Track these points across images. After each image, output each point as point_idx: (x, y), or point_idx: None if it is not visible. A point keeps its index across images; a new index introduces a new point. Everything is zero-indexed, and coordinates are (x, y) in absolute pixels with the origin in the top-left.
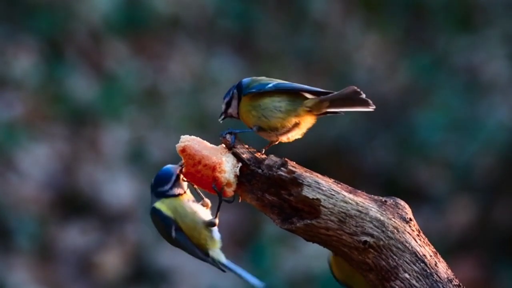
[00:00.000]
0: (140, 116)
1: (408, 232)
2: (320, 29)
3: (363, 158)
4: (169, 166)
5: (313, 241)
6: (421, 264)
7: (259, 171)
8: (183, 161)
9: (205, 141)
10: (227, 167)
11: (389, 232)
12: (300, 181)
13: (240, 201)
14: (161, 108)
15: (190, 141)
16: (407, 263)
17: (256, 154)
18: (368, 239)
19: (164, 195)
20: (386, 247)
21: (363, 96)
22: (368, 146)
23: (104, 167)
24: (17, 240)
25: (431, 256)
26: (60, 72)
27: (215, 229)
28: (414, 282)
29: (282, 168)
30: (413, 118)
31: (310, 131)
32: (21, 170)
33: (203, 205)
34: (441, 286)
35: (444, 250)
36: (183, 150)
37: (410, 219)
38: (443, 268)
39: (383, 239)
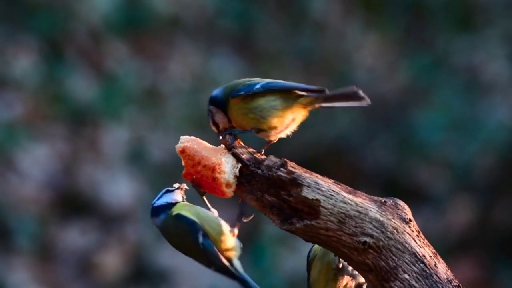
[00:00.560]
0: (140, 116)
1: (408, 233)
2: (320, 29)
3: (363, 158)
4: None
5: (312, 241)
6: (421, 264)
7: (259, 171)
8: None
9: (204, 142)
10: (227, 167)
11: (388, 233)
12: (300, 182)
13: (239, 201)
14: (161, 108)
15: (190, 142)
16: (406, 263)
17: (255, 155)
18: (367, 239)
19: (167, 205)
20: (386, 248)
21: (363, 96)
22: (368, 146)
23: (104, 167)
24: (17, 240)
25: (430, 256)
26: (60, 72)
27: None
28: (413, 282)
29: (281, 169)
30: (413, 118)
31: (310, 131)
32: (21, 170)
33: None
34: (440, 286)
35: (444, 250)
36: (183, 151)
37: (410, 220)
38: (442, 269)
39: (383, 239)
